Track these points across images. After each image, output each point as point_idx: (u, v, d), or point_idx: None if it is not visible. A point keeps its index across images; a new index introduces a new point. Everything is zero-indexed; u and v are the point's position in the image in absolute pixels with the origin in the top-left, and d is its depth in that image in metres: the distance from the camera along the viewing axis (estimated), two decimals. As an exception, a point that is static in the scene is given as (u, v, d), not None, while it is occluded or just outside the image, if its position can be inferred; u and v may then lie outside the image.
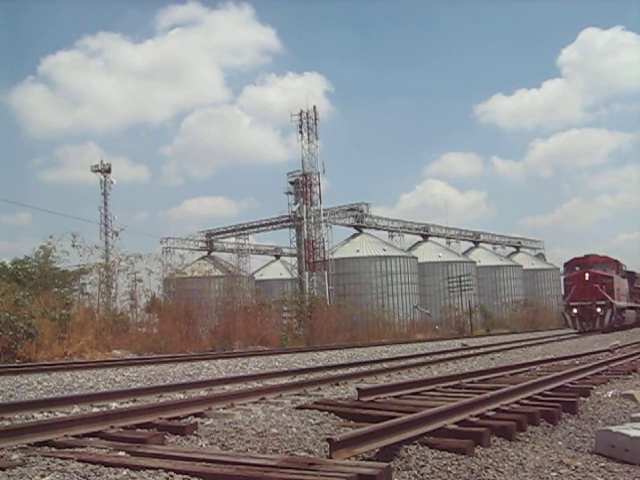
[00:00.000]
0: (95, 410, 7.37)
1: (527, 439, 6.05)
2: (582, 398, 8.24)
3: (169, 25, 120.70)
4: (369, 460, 4.79)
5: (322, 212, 52.84)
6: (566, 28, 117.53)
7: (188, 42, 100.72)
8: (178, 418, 6.51)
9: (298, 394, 8.58)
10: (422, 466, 4.85)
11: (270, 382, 10.08)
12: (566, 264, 41.31)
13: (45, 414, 7.19)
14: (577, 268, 39.45)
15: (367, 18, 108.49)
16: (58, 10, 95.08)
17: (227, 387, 9.67)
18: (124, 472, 4.19)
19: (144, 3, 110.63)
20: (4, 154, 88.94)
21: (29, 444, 5.14)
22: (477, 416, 6.35)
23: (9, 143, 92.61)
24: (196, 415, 6.74)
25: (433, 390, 8.54)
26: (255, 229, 60.07)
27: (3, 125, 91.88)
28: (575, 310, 37.53)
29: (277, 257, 68.37)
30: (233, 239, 61.87)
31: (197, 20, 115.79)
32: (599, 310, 36.64)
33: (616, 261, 42.87)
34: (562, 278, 43.80)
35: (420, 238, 66.70)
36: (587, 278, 37.29)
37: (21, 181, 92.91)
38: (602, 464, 5.28)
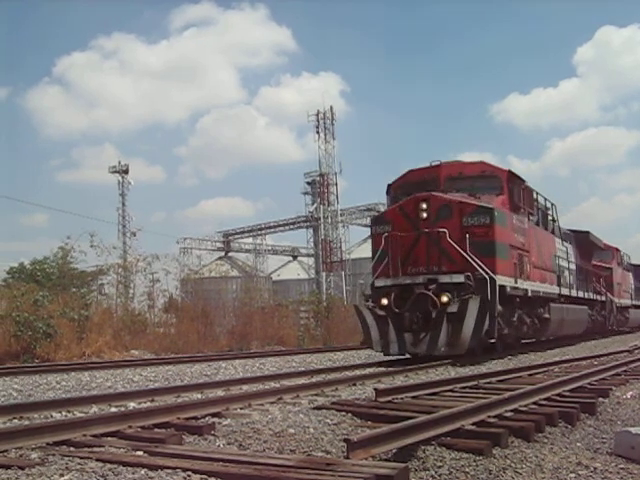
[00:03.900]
0: (113, 410, 7.40)
1: (545, 440, 6.01)
2: (601, 399, 8.17)
3: (183, 25, 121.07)
4: (386, 461, 4.78)
5: (339, 212, 52.81)
6: (582, 26, 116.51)
7: (203, 42, 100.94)
8: (196, 418, 6.52)
9: (315, 394, 8.58)
10: (439, 467, 4.83)
11: (287, 382, 10.07)
12: (390, 187, 16.86)
13: (64, 414, 7.23)
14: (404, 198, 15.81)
15: (383, 18, 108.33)
16: (72, 11, 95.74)
17: (244, 387, 9.68)
18: (142, 472, 4.20)
19: (158, 3, 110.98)
20: (21, 156, 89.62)
21: (48, 443, 5.17)
22: (495, 417, 6.32)
23: (25, 145, 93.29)
24: (214, 415, 6.75)
25: (451, 391, 8.51)
26: (272, 229, 60.17)
27: (19, 127, 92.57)
28: (385, 301, 14.53)
29: (294, 257, 68.38)
30: (250, 239, 62.00)
31: (211, 20, 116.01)
32: (444, 299, 13.84)
33: (616, 249, 33.40)
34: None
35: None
36: (425, 216, 14.52)
37: (38, 182, 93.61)
38: (621, 466, 5.23)
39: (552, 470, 4.94)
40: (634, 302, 36.91)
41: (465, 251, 14.04)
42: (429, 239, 14.42)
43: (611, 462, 5.33)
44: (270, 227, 59.80)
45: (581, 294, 24.17)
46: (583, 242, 26.70)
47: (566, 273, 22.30)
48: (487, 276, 13.79)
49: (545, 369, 11.64)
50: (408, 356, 14.69)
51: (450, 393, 8.36)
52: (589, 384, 9.21)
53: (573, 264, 23.91)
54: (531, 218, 17.67)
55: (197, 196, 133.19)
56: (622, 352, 16.36)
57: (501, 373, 10.50)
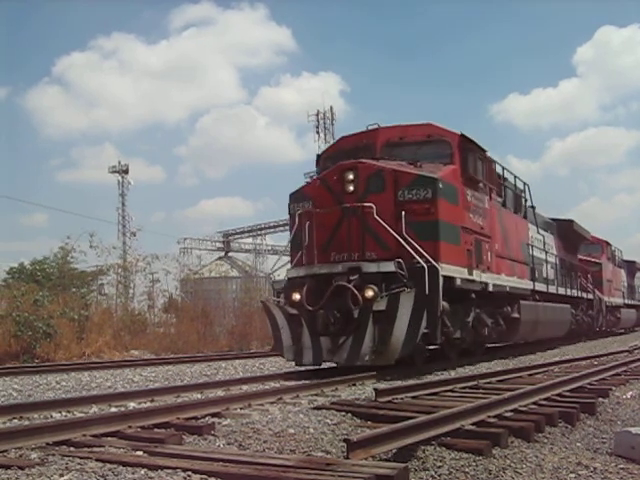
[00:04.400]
0: (113, 410, 7.41)
1: (545, 440, 6.02)
2: (601, 399, 8.18)
3: (183, 25, 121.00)
4: (386, 461, 4.78)
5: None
6: (582, 26, 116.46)
7: (202, 42, 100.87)
8: (196, 418, 6.52)
9: (315, 394, 8.58)
10: (439, 467, 4.83)
11: (287, 382, 10.07)
12: (319, 157, 14.24)
13: (63, 414, 7.22)
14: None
15: (382, 18, 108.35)
16: (71, 11, 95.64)
17: (244, 387, 9.68)
18: (142, 472, 4.20)
19: (157, 3, 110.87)
20: (21, 156, 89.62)
21: (48, 443, 5.17)
22: (495, 417, 6.32)
23: (25, 145, 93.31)
24: (213, 415, 6.74)
25: (451, 391, 8.51)
26: (272, 229, 60.12)
27: (19, 127, 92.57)
28: (297, 296, 11.42)
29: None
30: (250, 239, 61.98)
31: (211, 20, 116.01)
32: (369, 294, 10.77)
33: (606, 243, 30.72)
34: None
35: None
36: (352, 189, 11.54)
37: (38, 182, 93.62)
38: (621, 466, 5.24)
39: (552, 470, 4.95)
40: (627, 301, 34.55)
41: (400, 232, 11.08)
42: (354, 218, 11.52)
43: (611, 462, 5.34)
44: (270, 227, 59.74)
45: (562, 291, 21.45)
46: (567, 232, 23.85)
47: (544, 266, 19.50)
48: (426, 264, 10.75)
49: (545, 369, 11.64)
50: (333, 365, 11.66)
51: (450, 393, 8.36)
52: (589, 384, 9.21)
53: (553, 256, 21.15)
54: (495, 198, 14.93)
55: (197, 196, 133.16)
56: (622, 352, 16.37)
57: (501, 373, 10.50)
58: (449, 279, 11.54)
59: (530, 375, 10.72)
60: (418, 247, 10.96)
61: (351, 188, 11.59)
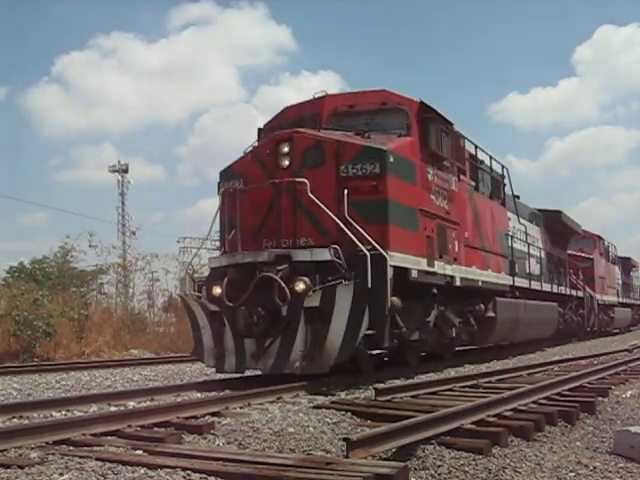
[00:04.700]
0: (113, 409, 7.40)
1: (545, 439, 6.02)
2: (600, 398, 8.19)
3: (182, 24, 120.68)
4: (386, 460, 4.78)
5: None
6: (582, 26, 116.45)
7: (202, 41, 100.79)
8: (195, 417, 6.53)
9: (315, 393, 8.57)
10: (439, 466, 4.84)
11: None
12: (260, 131, 12.14)
13: (63, 413, 7.23)
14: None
15: (382, 16, 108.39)
16: (71, 10, 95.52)
17: (244, 386, 9.66)
18: (141, 471, 4.20)
19: (157, 2, 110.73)
20: (20, 155, 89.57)
21: (47, 443, 5.17)
22: (494, 416, 6.33)
23: (24, 144, 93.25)
24: (213, 414, 6.75)
25: (450, 390, 8.52)
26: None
27: (19, 127, 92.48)
28: (218, 289, 9.88)
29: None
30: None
31: (211, 19, 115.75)
32: (300, 287, 9.13)
33: (599, 237, 28.81)
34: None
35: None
36: (287, 163, 9.98)
37: (37, 182, 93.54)
38: (621, 465, 5.25)
39: (552, 469, 4.95)
40: (621, 300, 32.65)
41: (341, 214, 9.36)
42: (286, 196, 9.84)
43: (610, 461, 5.34)
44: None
45: (548, 287, 19.67)
46: (554, 224, 21.81)
47: (526, 260, 17.60)
48: (368, 252, 8.96)
49: (544, 368, 11.65)
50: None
51: (449, 392, 8.37)
52: (588, 383, 9.22)
53: (538, 250, 19.39)
54: (466, 180, 13.24)
55: (197, 195, 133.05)
56: (621, 351, 16.38)
57: (500, 372, 10.50)
58: (402, 270, 9.81)
59: (530, 374, 10.72)
60: (362, 231, 9.20)
61: (286, 162, 9.96)
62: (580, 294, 24.13)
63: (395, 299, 9.52)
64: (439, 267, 11.22)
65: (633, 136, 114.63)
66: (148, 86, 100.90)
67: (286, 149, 9.96)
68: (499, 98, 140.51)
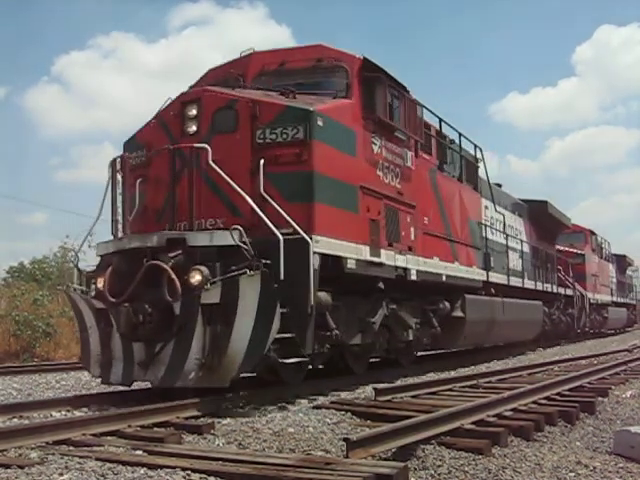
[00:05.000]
0: (112, 409, 7.39)
1: (545, 439, 6.02)
2: (600, 398, 8.19)
3: (182, 24, 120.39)
4: (386, 460, 4.78)
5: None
6: (581, 25, 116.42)
7: (202, 41, 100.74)
8: (195, 417, 6.52)
9: (315, 393, 8.55)
10: (439, 466, 4.83)
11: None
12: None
13: (63, 413, 7.21)
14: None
15: (381, 16, 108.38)
16: (71, 9, 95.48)
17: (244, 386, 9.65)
18: (141, 471, 4.20)
19: (156, 2, 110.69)
20: (20, 155, 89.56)
21: (47, 443, 5.17)
22: (494, 416, 6.32)
23: (24, 144, 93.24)
24: (213, 414, 6.74)
25: (450, 390, 8.52)
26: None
27: (18, 127, 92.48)
28: (101, 282, 7.99)
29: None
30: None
31: (210, 19, 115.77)
32: (195, 279, 7.25)
33: (591, 232, 27.12)
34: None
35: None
36: (194, 129, 8.25)
37: (37, 182, 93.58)
38: (620, 465, 5.25)
39: (551, 469, 4.95)
40: (615, 299, 31.13)
41: (257, 190, 7.67)
42: (186, 167, 7.99)
43: (610, 461, 5.34)
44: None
45: (531, 284, 17.97)
46: (540, 216, 19.93)
47: (505, 253, 15.81)
48: (284, 236, 7.26)
49: (544, 368, 11.65)
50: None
51: (449, 392, 8.37)
52: (588, 383, 9.22)
53: (519, 243, 17.61)
54: (426, 157, 11.51)
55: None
56: (621, 351, 16.39)
57: (500, 372, 10.51)
58: (334, 259, 8.18)
59: (530, 374, 10.72)
60: (280, 210, 7.51)
61: (193, 128, 8.26)
62: (569, 292, 22.83)
63: (323, 294, 7.93)
64: (388, 257, 9.50)
65: (633, 136, 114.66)
66: (148, 85, 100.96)
67: (194, 111, 8.31)
68: (499, 98, 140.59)
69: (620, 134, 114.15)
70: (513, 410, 6.74)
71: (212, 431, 5.84)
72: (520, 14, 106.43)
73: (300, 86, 8.99)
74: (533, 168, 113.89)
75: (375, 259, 9.15)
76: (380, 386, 8.17)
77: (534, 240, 19.51)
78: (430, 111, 11.89)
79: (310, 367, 8.83)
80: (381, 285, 9.49)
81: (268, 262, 7.18)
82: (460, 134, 13.55)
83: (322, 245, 7.87)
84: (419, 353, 13.00)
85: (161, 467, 4.24)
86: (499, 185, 16.76)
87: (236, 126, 8.19)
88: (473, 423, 5.95)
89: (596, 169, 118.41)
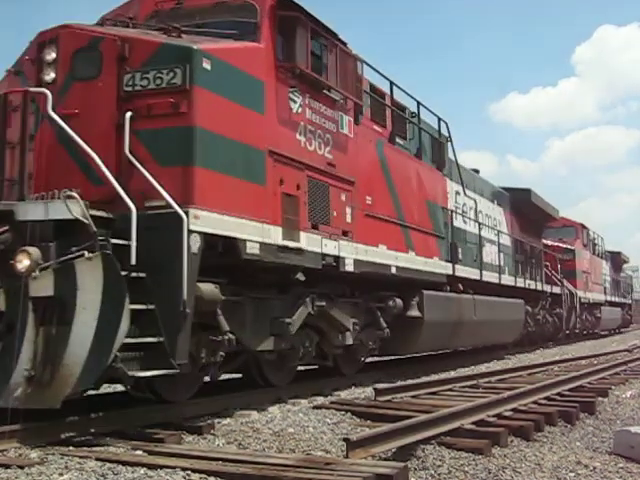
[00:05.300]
0: (112, 409, 7.38)
1: (545, 439, 6.03)
2: (600, 398, 8.20)
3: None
4: (386, 460, 4.78)
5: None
6: (581, 25, 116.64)
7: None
8: (195, 417, 6.51)
9: (315, 393, 8.55)
10: (439, 466, 4.84)
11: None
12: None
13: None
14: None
15: (380, 16, 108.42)
16: (71, 10, 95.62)
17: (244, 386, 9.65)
18: (141, 471, 4.20)
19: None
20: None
21: (47, 443, 5.16)
22: (494, 416, 6.33)
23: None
24: (213, 414, 6.74)
25: (450, 390, 8.52)
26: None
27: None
28: None
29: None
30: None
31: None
32: (23, 264, 5.30)
33: (582, 226, 25.15)
34: None
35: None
36: (53, 75, 6.31)
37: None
38: (620, 465, 5.25)
39: (551, 469, 4.95)
40: (609, 298, 29.03)
41: (119, 151, 6.03)
42: (21, 121, 6.11)
43: (610, 461, 5.35)
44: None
45: (511, 281, 16.09)
46: (523, 206, 17.96)
47: (478, 245, 13.81)
48: (135, 208, 5.60)
49: (544, 368, 11.65)
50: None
51: (449, 392, 8.37)
52: (588, 383, 9.22)
53: (498, 234, 15.49)
54: (369, 124, 9.58)
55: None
56: (621, 351, 16.39)
57: (500, 372, 10.51)
58: (227, 242, 6.39)
59: (529, 374, 10.72)
60: (148, 176, 5.81)
61: (52, 75, 6.43)
62: (557, 290, 20.84)
63: (208, 287, 6.19)
64: (311, 242, 7.61)
65: (633, 136, 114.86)
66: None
67: (52, 55, 6.49)
68: (499, 98, 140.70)
69: (620, 134, 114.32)
70: (513, 410, 6.75)
71: (212, 431, 5.83)
72: (520, 14, 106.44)
73: (200, 28, 7.30)
74: (533, 168, 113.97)
75: (290, 244, 7.24)
76: (380, 386, 8.16)
77: (516, 232, 17.54)
78: (376, 71, 9.85)
79: (208, 380, 7.34)
80: (300, 277, 7.61)
81: (124, 243, 5.56)
82: (419, 103, 11.44)
83: (205, 222, 6.03)
84: (420, 354, 12.56)
85: (161, 467, 4.24)
86: (476, 171, 15.16)
87: (99, 70, 6.42)
88: (473, 423, 5.95)
89: (596, 169, 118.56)
